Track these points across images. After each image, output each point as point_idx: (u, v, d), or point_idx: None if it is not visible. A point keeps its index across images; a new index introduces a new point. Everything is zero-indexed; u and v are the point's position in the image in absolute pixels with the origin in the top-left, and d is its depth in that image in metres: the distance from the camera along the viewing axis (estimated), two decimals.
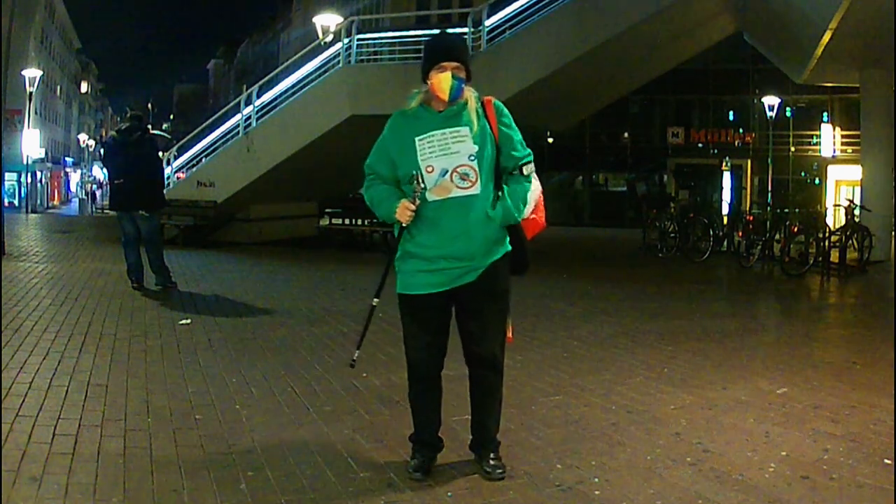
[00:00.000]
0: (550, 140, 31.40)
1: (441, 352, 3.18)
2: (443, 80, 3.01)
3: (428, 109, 3.09)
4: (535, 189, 3.18)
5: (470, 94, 3.09)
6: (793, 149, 29.64)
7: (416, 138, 3.04)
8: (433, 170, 3.01)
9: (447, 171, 3.01)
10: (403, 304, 3.15)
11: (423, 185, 3.01)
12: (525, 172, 3.12)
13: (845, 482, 3.17)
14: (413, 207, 3.01)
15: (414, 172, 3.02)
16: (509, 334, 3.22)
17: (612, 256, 15.13)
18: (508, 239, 3.15)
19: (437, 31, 3.29)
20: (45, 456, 3.24)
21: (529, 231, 3.22)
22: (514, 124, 3.16)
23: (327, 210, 15.63)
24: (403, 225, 3.06)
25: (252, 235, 14.45)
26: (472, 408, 3.28)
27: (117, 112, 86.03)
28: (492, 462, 3.18)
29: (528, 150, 3.16)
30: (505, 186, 3.11)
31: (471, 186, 3.02)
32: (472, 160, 3.01)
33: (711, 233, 13.45)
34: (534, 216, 3.21)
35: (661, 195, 28.34)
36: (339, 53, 13.01)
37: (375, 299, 3.25)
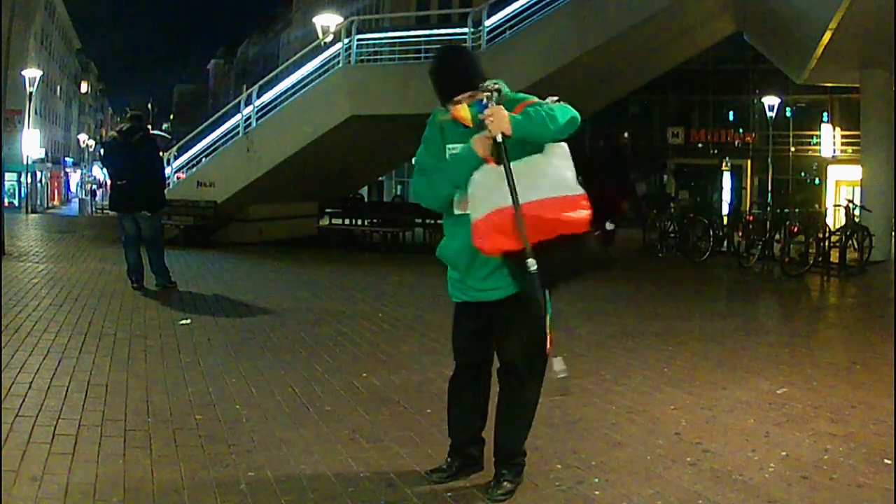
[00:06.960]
0: None
1: (484, 344, 3.10)
2: (461, 112, 2.86)
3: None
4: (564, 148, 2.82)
5: (495, 104, 2.77)
6: (793, 149, 29.67)
7: (448, 146, 2.93)
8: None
9: None
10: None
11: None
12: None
13: (845, 482, 3.18)
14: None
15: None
16: (548, 346, 2.98)
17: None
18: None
19: (436, 54, 3.07)
20: (45, 456, 3.24)
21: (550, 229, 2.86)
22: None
23: (327, 210, 15.63)
24: (480, 154, 2.78)
25: (252, 235, 14.44)
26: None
27: (117, 112, 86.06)
28: (495, 484, 2.99)
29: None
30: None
31: None
32: None
33: (711, 233, 13.43)
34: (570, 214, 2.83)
35: (661, 195, 28.33)
36: (338, 53, 13.00)
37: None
